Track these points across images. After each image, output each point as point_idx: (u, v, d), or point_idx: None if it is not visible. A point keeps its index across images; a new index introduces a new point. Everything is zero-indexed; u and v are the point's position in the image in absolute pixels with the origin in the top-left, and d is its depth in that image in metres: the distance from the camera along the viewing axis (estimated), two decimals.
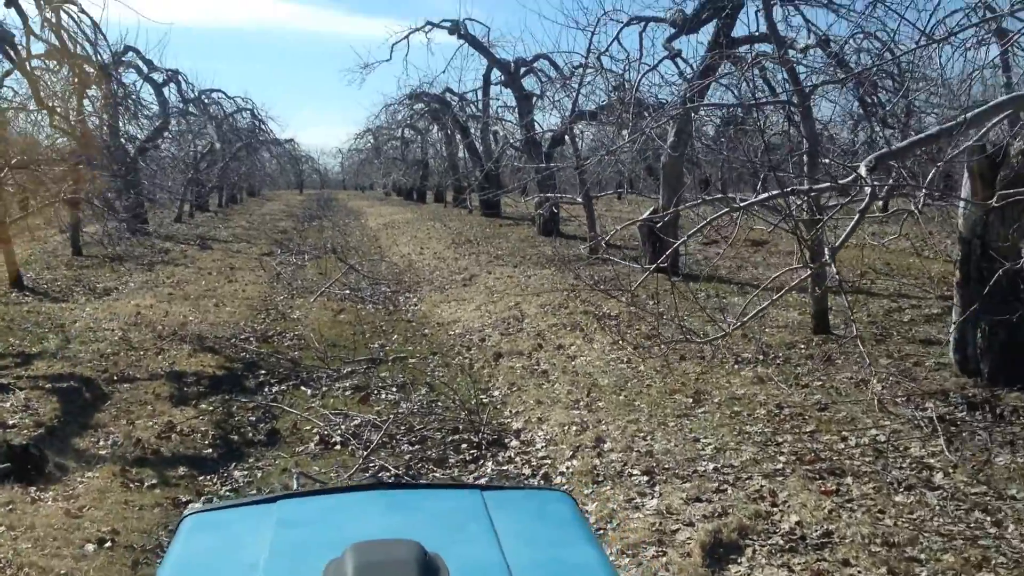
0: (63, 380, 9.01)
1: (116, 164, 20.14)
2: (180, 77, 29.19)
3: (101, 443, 7.26)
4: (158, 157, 29.23)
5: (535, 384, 8.93)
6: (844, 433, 6.76)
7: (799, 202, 8.10)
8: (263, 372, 9.93)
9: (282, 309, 14.32)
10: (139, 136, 25.22)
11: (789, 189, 6.56)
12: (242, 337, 11.81)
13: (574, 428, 7.27)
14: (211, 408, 8.41)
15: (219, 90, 37.15)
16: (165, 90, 28.01)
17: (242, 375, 9.79)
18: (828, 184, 6.47)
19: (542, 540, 2.19)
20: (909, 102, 11.31)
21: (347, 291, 15.77)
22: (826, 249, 6.73)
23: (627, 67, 14.68)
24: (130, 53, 24.82)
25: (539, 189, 22.17)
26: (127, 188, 21.72)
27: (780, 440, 6.80)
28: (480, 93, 29.90)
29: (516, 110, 25.64)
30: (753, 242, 20.44)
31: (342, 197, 68.92)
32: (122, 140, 22.49)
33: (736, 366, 8.92)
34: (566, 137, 21.25)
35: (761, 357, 9.21)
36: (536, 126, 22.67)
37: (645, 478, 6.17)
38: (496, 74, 27.40)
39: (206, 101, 34.23)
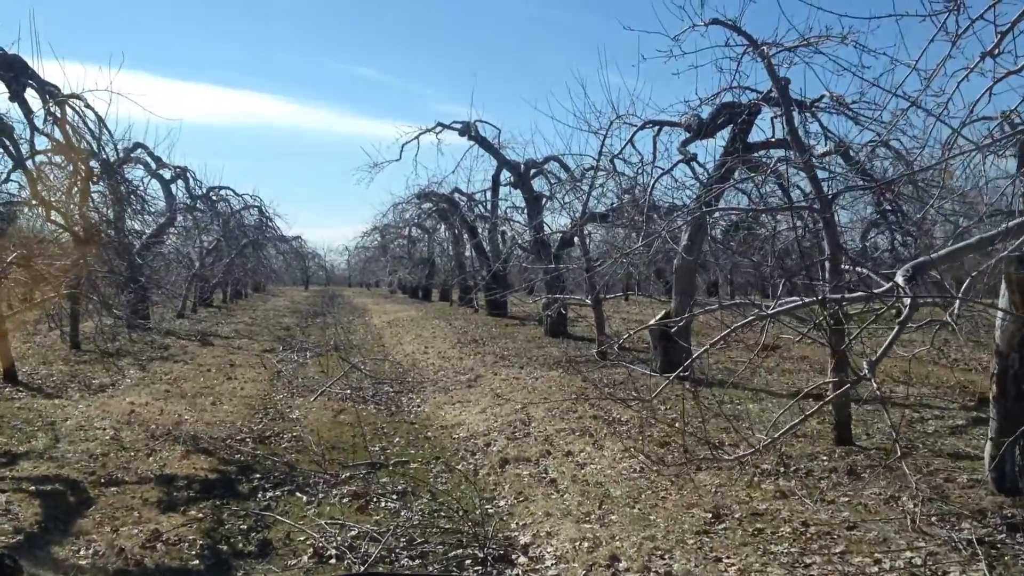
0: (48, 482, 8.58)
1: (119, 259, 20.00)
2: (188, 174, 29.34)
3: (82, 552, 6.79)
4: (163, 253, 29.14)
5: (543, 494, 8.46)
6: (877, 555, 6.28)
7: (825, 311, 7.77)
8: (258, 476, 9.47)
9: (281, 408, 13.91)
10: (144, 231, 25.15)
11: (821, 297, 6.23)
12: (238, 438, 11.37)
13: (586, 544, 6.79)
14: (201, 515, 7.94)
15: (227, 187, 37.37)
16: (173, 186, 28.10)
17: (236, 479, 9.33)
18: (864, 293, 6.15)
19: None
20: (926, 210, 11.13)
21: (349, 390, 15.37)
22: (864, 362, 6.34)
23: (640, 170, 14.57)
24: (139, 150, 24.94)
25: (547, 290, 21.93)
26: (128, 283, 21.50)
27: (808, 562, 6.32)
28: (489, 193, 29.97)
29: (525, 210, 25.59)
30: (765, 347, 20.08)
31: (348, 294, 68.91)
32: (126, 236, 22.41)
33: (756, 479, 8.47)
34: (575, 238, 21.09)
35: (782, 469, 8.75)
36: (545, 227, 22.53)
37: None
38: (505, 175, 27.49)
39: (214, 198, 34.36)
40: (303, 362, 20.10)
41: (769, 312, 6.46)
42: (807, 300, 6.26)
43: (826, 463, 9.00)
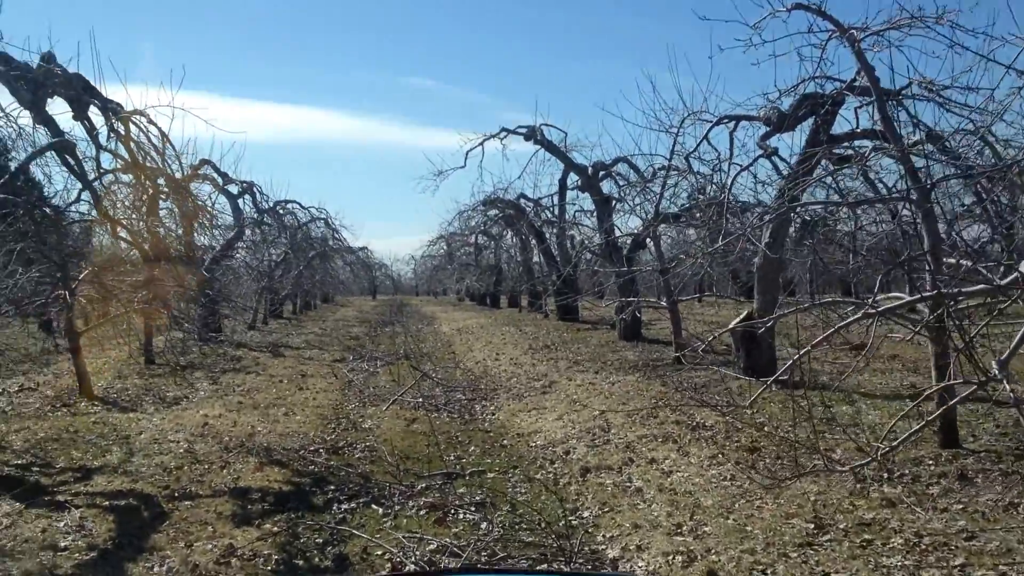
0: (122, 497, 8.43)
1: (189, 274, 20.06)
2: (255, 188, 29.41)
3: (155, 569, 6.58)
4: (232, 266, 29.30)
5: (629, 504, 8.06)
6: (1001, 567, 5.78)
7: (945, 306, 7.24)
8: (332, 487, 9.23)
9: (353, 418, 13.70)
10: (214, 246, 25.29)
11: (937, 291, 5.75)
12: (311, 448, 11.17)
13: (680, 558, 6.38)
14: (276, 529, 7.71)
15: (294, 201, 37.52)
16: (240, 201, 28.21)
17: (310, 491, 9.10)
18: (986, 286, 5.66)
19: None
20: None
21: (421, 399, 15.11)
22: (993, 361, 5.84)
23: (717, 167, 14.07)
24: (206, 166, 25.05)
25: (620, 293, 21.48)
26: (198, 297, 21.58)
27: None
28: (556, 198, 29.59)
29: (594, 214, 25.16)
30: (852, 346, 19.39)
31: (415, 302, 69.10)
32: (196, 250, 22.51)
33: (859, 486, 7.97)
34: (647, 240, 20.63)
35: (885, 475, 8.23)
36: (616, 230, 22.11)
37: None
38: (572, 178, 27.08)
39: (281, 211, 34.52)
40: (374, 371, 19.94)
41: (879, 309, 5.99)
42: (924, 295, 5.78)
43: (933, 468, 8.45)
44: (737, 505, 7.65)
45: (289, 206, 35.84)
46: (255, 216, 30.47)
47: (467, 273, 49.86)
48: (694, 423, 11.46)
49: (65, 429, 11.69)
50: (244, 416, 12.97)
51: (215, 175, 25.61)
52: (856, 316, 7.37)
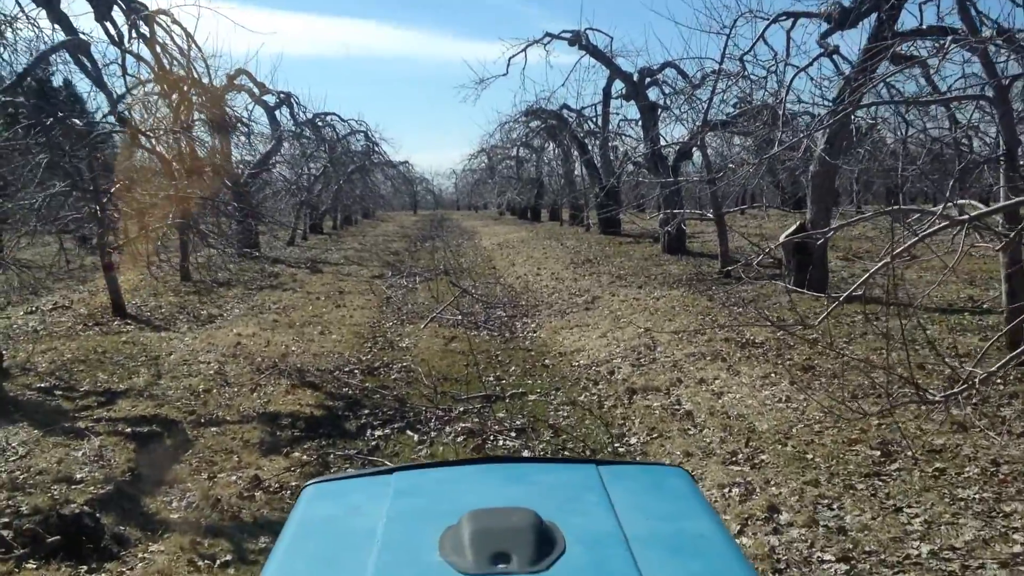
0: (145, 423, 8.06)
1: (226, 188, 19.59)
2: (292, 100, 28.73)
3: (175, 504, 6.20)
4: (270, 180, 28.84)
5: (679, 429, 7.53)
6: None
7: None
8: (366, 411, 8.81)
9: (391, 337, 13.28)
10: (251, 160, 24.79)
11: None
12: (346, 369, 10.76)
13: (736, 491, 5.86)
14: (304, 458, 7.30)
15: (333, 113, 36.83)
16: (277, 113, 27.60)
17: (342, 415, 8.69)
18: None
19: (659, 513, 2.14)
20: None
21: (460, 316, 14.63)
22: None
23: (772, 68, 13.15)
24: (242, 76, 24.43)
25: (664, 205, 20.72)
26: (236, 212, 21.18)
27: (1008, 510, 5.27)
28: (599, 107, 28.63)
29: (639, 123, 24.23)
30: (901, 256, 18.54)
31: (456, 217, 68.54)
32: (230, 163, 22.01)
33: (924, 408, 7.37)
34: (695, 149, 19.77)
35: (935, 397, 7.61)
36: (661, 139, 21.23)
37: (843, 567, 4.73)
38: (617, 87, 26.09)
39: (319, 124, 33.87)
40: (413, 287, 19.50)
41: (972, 216, 5.30)
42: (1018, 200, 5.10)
43: (1002, 388, 7.82)
44: (795, 430, 7.09)
45: (328, 118, 35.21)
46: (293, 129, 29.88)
47: (508, 187, 49.10)
48: (743, 340, 10.88)
49: (93, 349, 11.37)
50: (278, 335, 12.58)
51: (251, 85, 24.98)
52: (942, 225, 6.66)
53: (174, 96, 15.39)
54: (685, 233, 22.39)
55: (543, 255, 24.61)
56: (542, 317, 14.62)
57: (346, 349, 11.99)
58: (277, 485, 6.56)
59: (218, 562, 5.28)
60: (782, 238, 13.29)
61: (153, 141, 13.54)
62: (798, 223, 13.87)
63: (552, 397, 9.40)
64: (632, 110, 25.55)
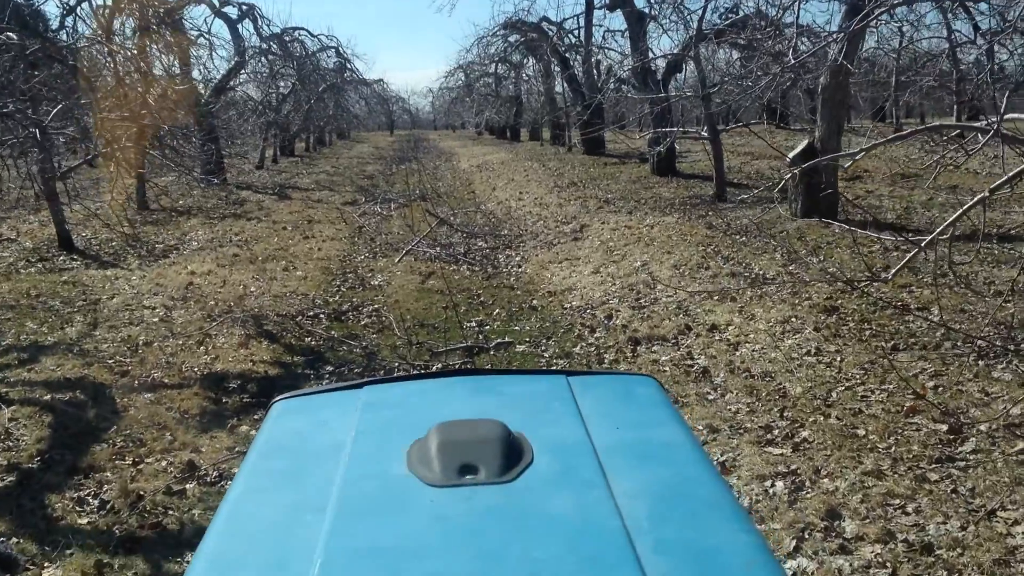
0: (69, 388, 6.87)
1: (185, 109, 18.12)
2: (256, 12, 26.85)
3: (87, 504, 5.03)
4: (235, 100, 27.18)
5: (698, 394, 6.38)
6: None
7: None
8: (329, 369, 7.63)
9: (362, 273, 12.05)
10: (213, 78, 23.17)
11: None
12: (310, 314, 9.56)
13: (782, 486, 4.72)
14: (253, 432, 6.14)
15: (302, 28, 34.84)
16: (240, 27, 25.80)
17: (302, 374, 7.51)
18: None
19: (628, 421, 2.13)
20: None
21: (438, 248, 13.38)
22: None
23: None
24: None
25: (654, 123, 19.38)
26: (196, 134, 19.70)
27: None
28: (581, 19, 27.01)
29: (624, 33, 22.71)
30: (903, 176, 17.41)
31: (433, 137, 66.71)
32: (194, 82, 20.44)
33: (981, 362, 6.28)
34: (683, 63, 18.37)
35: (1012, 348, 6.53)
36: (649, 52, 19.77)
37: None
38: None
39: (287, 40, 32.01)
40: (387, 215, 18.18)
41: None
42: None
43: None
44: (835, 395, 5.98)
45: (297, 33, 33.30)
46: (258, 45, 28.08)
47: (486, 105, 47.33)
48: (752, 274, 9.76)
49: (27, 292, 10.15)
50: (237, 273, 11.35)
51: None
52: (986, 139, 5.47)
53: (125, 3, 13.90)
54: (675, 153, 21.12)
55: (525, 178, 23.28)
56: (527, 249, 13.40)
57: (312, 288, 10.78)
58: (216, 474, 5.41)
59: None
60: (790, 157, 12.11)
61: (108, 57, 12.07)
62: (806, 142, 12.64)
63: (543, 348, 8.22)
64: (617, 20, 24.01)
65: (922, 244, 4.15)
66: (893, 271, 4.45)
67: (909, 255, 4.30)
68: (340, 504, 1.77)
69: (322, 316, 9.57)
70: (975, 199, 4.15)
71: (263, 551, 1.68)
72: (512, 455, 1.85)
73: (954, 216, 4.20)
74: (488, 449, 1.84)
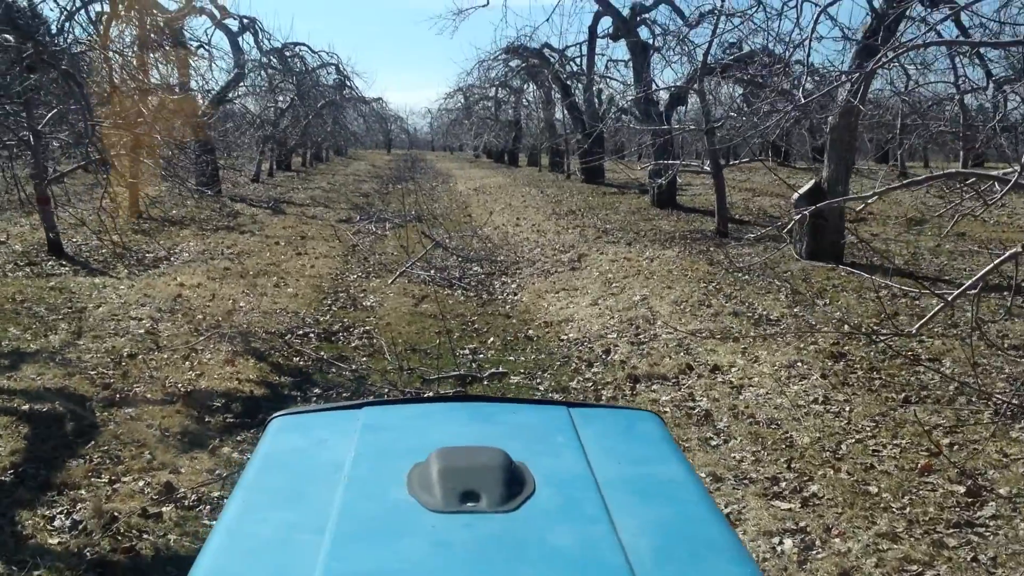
0: (49, 398, 6.61)
1: (183, 119, 17.93)
2: (257, 25, 26.67)
3: (58, 521, 4.79)
4: (232, 112, 26.98)
5: (700, 439, 6.15)
6: None
7: None
8: (317, 392, 7.40)
9: (354, 292, 11.82)
10: (212, 90, 22.96)
11: None
12: (299, 333, 9.33)
13: (791, 544, 4.49)
14: (235, 455, 5.90)
15: (302, 43, 34.70)
16: (240, 40, 25.63)
17: (288, 395, 7.28)
18: None
19: (629, 456, 2.11)
20: None
21: (432, 271, 13.17)
22: None
23: (786, 4, 11.62)
24: None
25: (654, 155, 19.25)
26: (192, 144, 19.50)
27: None
28: (584, 48, 26.93)
29: (628, 63, 22.61)
30: (911, 220, 17.31)
31: (430, 158, 66.66)
32: (192, 93, 20.24)
33: (996, 418, 6.08)
34: (690, 95, 18.26)
35: (1018, 401, 6.35)
36: (653, 83, 19.66)
37: None
38: (604, 25, 24.41)
39: (287, 55, 31.89)
40: (382, 234, 17.97)
41: None
42: None
43: None
44: (845, 447, 5.77)
45: (297, 48, 33.17)
46: (258, 58, 27.92)
47: (485, 128, 47.28)
48: (755, 315, 9.57)
49: (12, 297, 9.88)
50: (227, 287, 11.12)
51: (212, 7, 23.03)
52: (1006, 189, 5.31)
53: (124, 12, 13.77)
54: (676, 186, 21.00)
55: (522, 203, 23.13)
56: (524, 276, 13.19)
57: (303, 306, 10.55)
58: (194, 498, 5.16)
59: None
60: (796, 196, 11.98)
61: (104, 63, 11.94)
62: (812, 182, 12.50)
63: (538, 380, 8.00)
64: (620, 50, 23.95)
65: (949, 299, 3.95)
66: (917, 325, 4.25)
67: (936, 309, 4.10)
68: (339, 525, 1.75)
69: (312, 335, 9.34)
70: (1007, 254, 3.97)
71: (262, 570, 1.65)
72: (514, 484, 1.82)
73: (983, 271, 4.03)
74: (490, 477, 1.82)
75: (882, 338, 6.80)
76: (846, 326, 8.06)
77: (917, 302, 9.78)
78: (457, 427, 2.23)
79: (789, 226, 8.50)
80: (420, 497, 1.80)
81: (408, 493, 1.83)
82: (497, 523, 1.73)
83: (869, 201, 8.06)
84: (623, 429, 2.36)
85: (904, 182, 6.60)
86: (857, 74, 10.05)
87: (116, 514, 4.83)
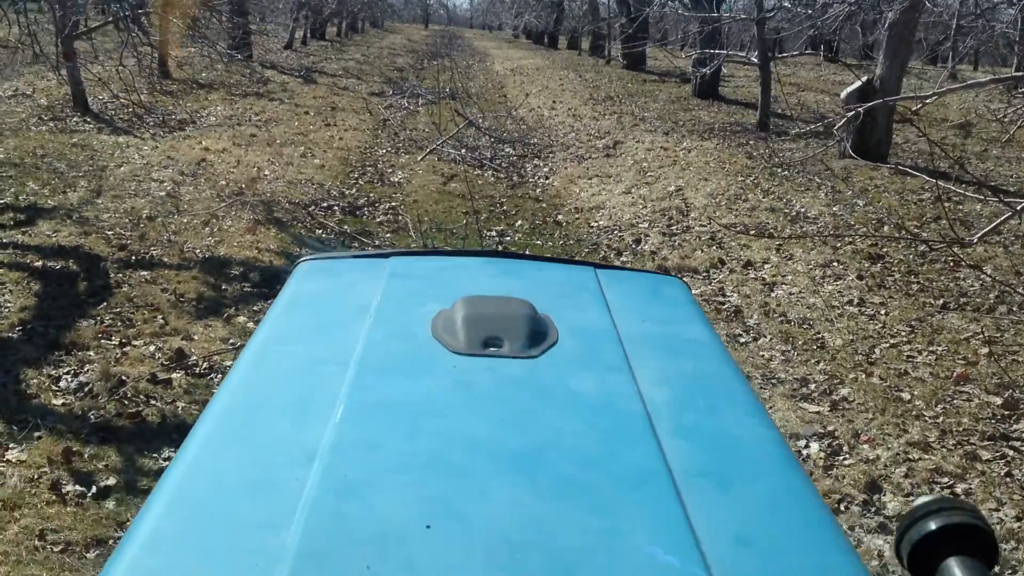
0: (64, 256, 6.48)
1: None
2: None
3: (64, 382, 4.66)
4: None
5: (729, 335, 5.92)
6: None
7: None
8: None
9: (382, 167, 11.55)
10: None
11: None
12: (324, 205, 9.12)
13: (817, 448, 4.31)
14: (251, 325, 5.75)
15: None
16: None
17: None
18: None
19: (654, 316, 2.13)
20: None
21: (463, 150, 12.84)
22: None
23: None
24: None
25: (700, 44, 18.55)
26: (228, 7, 18.99)
27: None
28: None
29: None
30: (958, 125, 16.68)
31: (468, 36, 65.20)
32: None
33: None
34: None
35: None
36: None
37: None
38: None
39: None
40: (414, 110, 17.56)
41: None
42: None
43: None
44: (878, 351, 5.54)
45: None
46: None
47: (526, 8, 46.09)
48: (793, 212, 9.25)
49: (33, 151, 9.70)
50: (252, 154, 10.87)
51: None
52: None
53: None
54: (720, 77, 20.33)
55: (560, 87, 22.52)
56: (556, 161, 12.83)
57: (328, 178, 10.30)
58: (206, 366, 5.02)
59: (93, 489, 3.77)
60: (845, 94, 11.50)
61: None
62: (863, 79, 11.95)
63: None
64: None
65: (1018, 208, 3.64)
66: (980, 233, 3.95)
67: (1003, 218, 3.78)
68: (363, 360, 1.77)
69: (336, 208, 9.12)
70: None
71: (286, 393, 1.69)
72: (537, 334, 1.85)
73: None
74: (514, 325, 1.84)
75: (940, 246, 6.48)
76: (903, 230, 7.72)
77: (960, 207, 9.43)
78: (484, 280, 2.23)
79: (840, 123, 8.09)
80: (444, 340, 1.83)
81: (432, 335, 1.85)
82: (519, 368, 1.75)
83: (928, 101, 7.65)
84: (649, 291, 2.38)
85: (968, 83, 6.19)
86: None
87: (124, 378, 4.70)
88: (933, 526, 1.15)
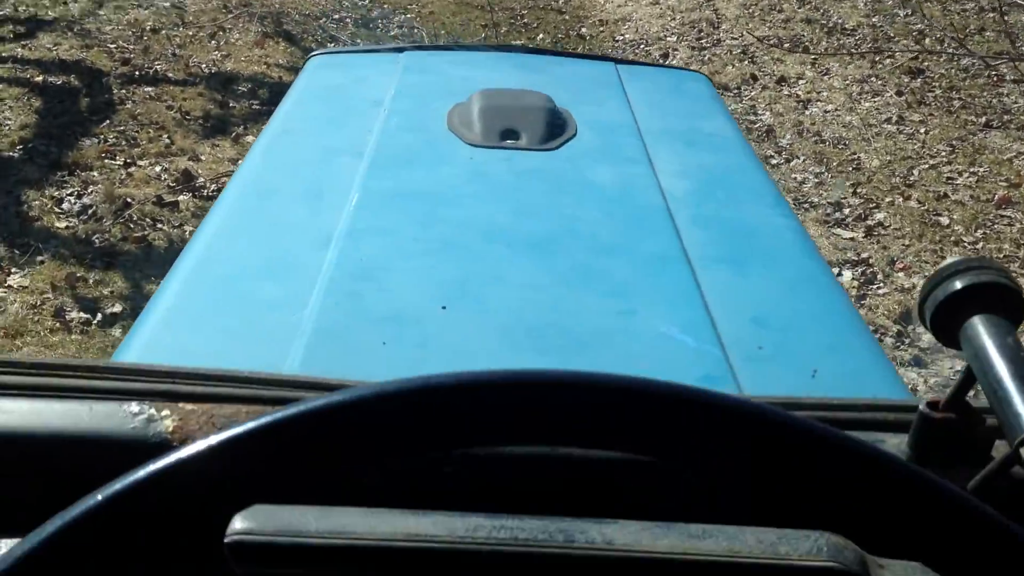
0: (65, 71, 6.20)
1: None
2: None
3: (67, 203, 4.50)
4: None
5: (760, 156, 5.58)
6: None
7: None
8: None
9: None
10: None
11: None
12: (335, 17, 8.69)
13: (851, 275, 4.10)
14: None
15: None
16: None
17: None
18: None
19: (675, 110, 2.08)
20: None
21: None
22: None
23: None
24: None
25: None
26: None
27: None
28: None
29: None
30: None
31: None
32: None
33: None
34: None
35: None
36: None
37: None
38: None
39: None
40: None
41: None
42: None
43: None
44: (917, 172, 5.28)
45: None
46: None
47: None
48: (829, 24, 8.76)
49: None
50: None
51: None
52: None
53: None
54: None
55: None
56: None
57: None
58: (214, 188, 4.83)
59: (99, 316, 3.66)
60: None
61: None
62: None
63: None
64: None
65: None
66: None
67: None
68: (378, 151, 1.77)
69: (348, 20, 8.70)
70: None
71: (300, 182, 1.69)
72: (556, 126, 1.82)
73: None
74: (532, 117, 1.81)
75: (999, 61, 6.10)
76: (966, 48, 7.29)
77: (1007, 18, 8.91)
78: (501, 74, 2.16)
79: None
80: (459, 132, 1.81)
81: (447, 128, 1.83)
82: (536, 159, 1.74)
83: None
84: (671, 87, 2.32)
85: None
86: None
87: (129, 200, 4.53)
88: (959, 285, 1.02)
